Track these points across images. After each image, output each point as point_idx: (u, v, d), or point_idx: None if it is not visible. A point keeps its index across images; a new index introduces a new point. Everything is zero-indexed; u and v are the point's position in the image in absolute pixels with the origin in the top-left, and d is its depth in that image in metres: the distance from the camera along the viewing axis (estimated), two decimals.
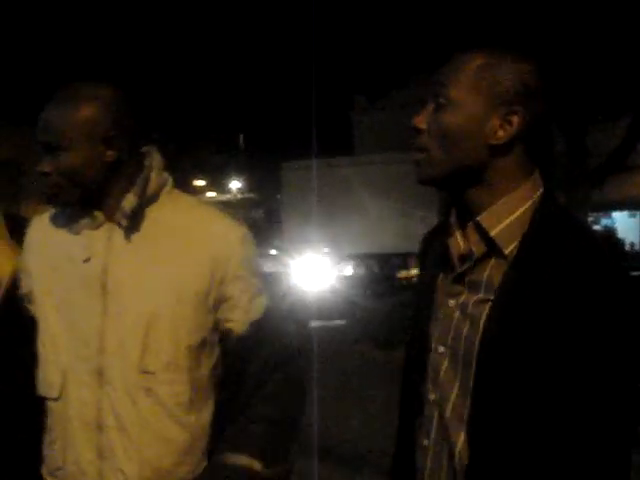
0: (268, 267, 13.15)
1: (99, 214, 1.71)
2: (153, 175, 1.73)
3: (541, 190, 1.37)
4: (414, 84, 19.91)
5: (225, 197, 40.32)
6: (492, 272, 1.33)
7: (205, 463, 1.73)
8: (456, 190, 1.38)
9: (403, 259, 14.66)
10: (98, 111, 1.65)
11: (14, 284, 1.85)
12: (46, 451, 1.75)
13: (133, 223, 1.69)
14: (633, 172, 19.57)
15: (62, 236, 1.76)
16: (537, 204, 1.34)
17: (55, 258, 1.76)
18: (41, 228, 1.83)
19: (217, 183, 40.95)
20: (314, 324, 13.44)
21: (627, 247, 23.19)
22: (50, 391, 1.71)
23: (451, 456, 1.33)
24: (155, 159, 1.77)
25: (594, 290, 1.22)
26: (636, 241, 24.20)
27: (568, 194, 12.96)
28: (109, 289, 1.68)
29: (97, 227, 1.72)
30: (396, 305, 10.95)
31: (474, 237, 1.35)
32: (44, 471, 1.77)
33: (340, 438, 6.05)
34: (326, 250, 19.89)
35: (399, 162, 20.71)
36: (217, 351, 1.76)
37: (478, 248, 1.35)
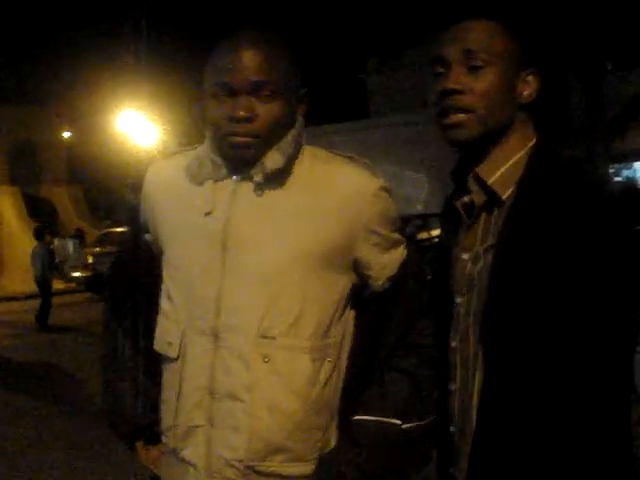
0: None
1: (224, 166, 1.62)
2: (302, 131, 1.64)
3: (533, 141, 1.44)
4: (427, 42, 19.67)
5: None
6: (496, 220, 1.42)
7: (332, 442, 1.61)
8: (476, 148, 1.44)
9: (424, 220, 14.60)
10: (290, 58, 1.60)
11: (137, 233, 1.83)
12: (162, 408, 1.69)
13: (267, 179, 1.58)
14: None
15: (184, 185, 1.67)
16: (531, 152, 1.43)
17: (178, 208, 1.67)
18: (161, 177, 1.75)
19: None
20: None
21: None
22: (169, 350, 1.63)
23: (474, 397, 1.43)
24: (302, 111, 1.67)
25: (587, 225, 1.29)
26: None
27: (588, 146, 12.84)
28: (229, 246, 1.58)
29: (222, 179, 1.62)
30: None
31: (474, 188, 1.44)
32: (162, 427, 1.71)
33: None
34: None
35: (414, 122, 20.57)
36: (349, 317, 1.64)
37: (478, 198, 1.44)
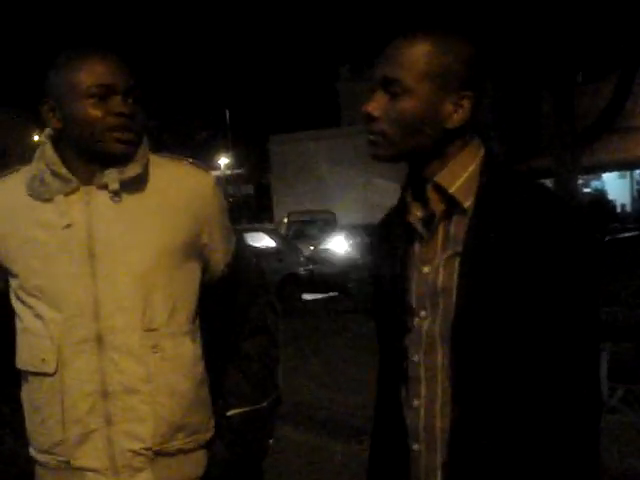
0: (260, 242, 13.12)
1: (74, 179, 1.67)
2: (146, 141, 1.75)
3: (482, 152, 1.46)
4: None
5: (214, 174, 40.20)
6: (456, 228, 1.42)
7: (210, 410, 1.77)
8: (409, 162, 1.47)
9: None
10: None
11: None
12: (36, 430, 1.70)
13: (123, 186, 1.67)
14: (621, 133, 19.58)
15: (28, 206, 1.69)
16: (482, 163, 1.44)
17: (27, 229, 1.69)
18: None
19: (205, 160, 40.85)
20: (307, 297, 13.47)
21: (618, 209, 23.27)
22: (44, 367, 1.65)
23: (443, 410, 1.42)
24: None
25: (548, 229, 1.33)
26: (627, 202, 24.27)
27: (557, 157, 12.95)
28: (97, 253, 1.65)
29: (72, 191, 1.67)
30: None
31: (434, 197, 1.44)
32: (34, 451, 1.72)
33: (335, 409, 6.06)
34: (317, 222, 19.91)
35: None
36: (198, 297, 1.78)
37: (439, 207, 1.43)
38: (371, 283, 1.64)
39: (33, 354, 1.67)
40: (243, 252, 1.89)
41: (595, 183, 25.04)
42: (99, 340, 1.64)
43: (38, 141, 1.75)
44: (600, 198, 22.04)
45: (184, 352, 1.70)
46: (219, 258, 1.80)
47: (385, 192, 20.03)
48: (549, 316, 1.33)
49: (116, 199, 1.67)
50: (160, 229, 1.69)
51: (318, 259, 14.96)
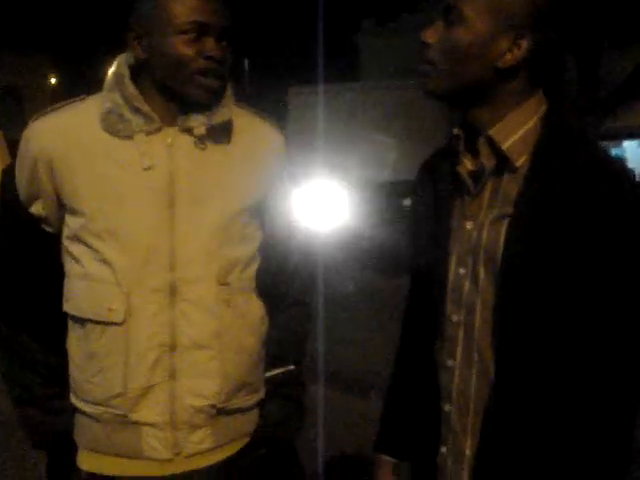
0: None
1: (156, 117, 1.58)
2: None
3: (544, 107, 1.40)
4: (425, 8, 19.47)
5: None
6: (506, 187, 1.37)
7: (263, 369, 1.77)
8: (459, 106, 1.42)
9: (410, 186, 14.57)
10: None
11: (17, 200, 1.66)
12: (89, 380, 1.62)
13: (209, 132, 1.61)
14: None
15: (105, 141, 1.58)
16: (543, 120, 1.38)
17: (98, 164, 1.58)
18: (64, 134, 1.60)
19: None
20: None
21: (637, 177, 23.01)
22: (111, 315, 1.57)
23: (480, 374, 1.39)
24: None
25: (608, 199, 1.28)
26: None
27: (579, 122, 12.80)
28: (177, 200, 1.58)
29: (155, 131, 1.59)
30: (403, 233, 10.95)
31: (485, 151, 1.38)
32: (80, 402, 1.65)
33: (346, 363, 6.12)
34: (332, 177, 19.81)
35: (404, 88, 20.48)
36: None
37: (489, 162, 1.38)
38: (410, 231, 1.59)
39: (97, 302, 1.58)
40: (295, 218, 1.85)
41: (615, 150, 24.75)
42: (172, 291, 1.58)
43: (115, 70, 1.61)
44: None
45: (253, 309, 1.68)
46: (282, 218, 1.77)
47: (410, 147, 19.86)
48: (601, 293, 1.29)
49: (200, 145, 1.60)
50: (240, 182, 1.64)
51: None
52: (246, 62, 38.63)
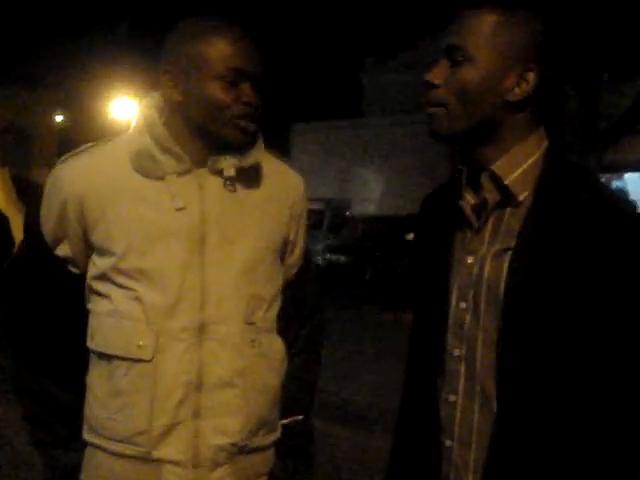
0: None
1: (187, 158, 1.59)
2: None
3: (546, 143, 1.41)
4: (423, 46, 19.68)
5: None
6: (509, 221, 1.37)
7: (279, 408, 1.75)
8: (467, 145, 1.42)
9: (413, 221, 14.62)
10: None
11: (42, 242, 1.65)
12: (112, 417, 1.60)
13: (238, 173, 1.63)
14: None
15: (136, 182, 1.59)
16: (545, 155, 1.39)
17: (134, 207, 1.58)
18: (96, 175, 1.61)
19: None
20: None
21: (638, 209, 23.04)
22: (141, 353, 1.57)
23: (483, 408, 1.38)
24: None
25: (612, 234, 1.28)
26: None
27: (580, 155, 12.88)
28: (207, 240, 1.59)
29: (185, 173, 1.60)
30: (405, 267, 10.95)
31: (488, 186, 1.39)
32: (99, 438, 1.63)
33: (351, 399, 6.09)
34: (336, 212, 19.91)
35: (406, 124, 20.64)
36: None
37: (492, 197, 1.38)
38: (411, 266, 1.59)
39: (126, 338, 1.58)
40: (310, 257, 1.87)
41: (617, 183, 24.82)
42: (201, 329, 1.58)
43: (144, 112, 1.63)
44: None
45: (277, 348, 1.69)
46: (297, 257, 1.78)
47: (413, 182, 19.97)
48: (604, 326, 1.28)
49: (230, 187, 1.62)
50: (267, 223, 1.67)
51: (335, 248, 14.98)
52: None
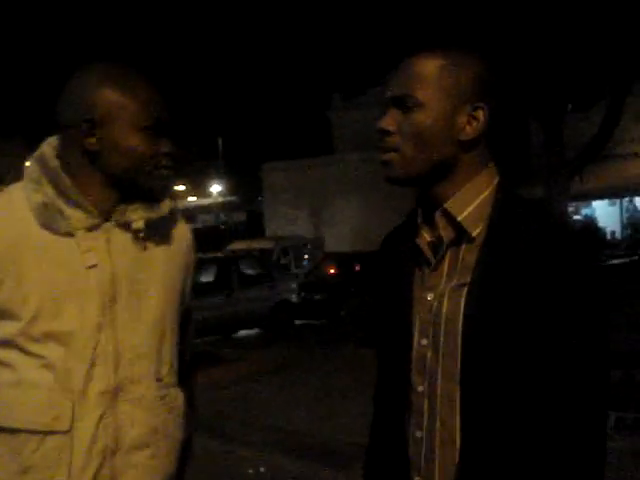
0: (252, 269, 13.12)
1: (95, 212, 1.51)
2: None
3: (497, 179, 1.45)
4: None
5: (206, 201, 40.26)
6: (465, 256, 1.40)
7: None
8: (421, 186, 1.45)
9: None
10: None
11: None
12: None
13: (146, 226, 1.57)
14: (611, 161, 19.74)
15: (42, 238, 1.49)
16: (496, 191, 1.43)
17: (38, 266, 1.48)
18: (7, 229, 1.50)
19: (198, 187, 40.85)
20: (298, 322, 13.43)
21: (608, 236, 23.38)
22: (56, 424, 1.46)
23: (444, 444, 1.38)
24: None
25: (562, 262, 1.31)
26: (616, 229, 24.39)
27: (547, 185, 13.05)
28: (118, 298, 1.52)
29: (94, 227, 1.52)
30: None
31: (442, 224, 1.42)
32: None
33: (325, 437, 6.03)
34: (309, 249, 19.93)
35: (376, 160, 20.83)
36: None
37: (447, 234, 1.41)
38: (373, 305, 1.59)
39: (37, 410, 1.46)
40: (191, 307, 1.81)
41: (585, 210, 25.19)
42: (116, 391, 1.51)
43: (41, 160, 1.53)
44: (589, 225, 22.15)
45: (180, 401, 1.64)
46: (185, 308, 1.73)
47: (385, 218, 20.08)
48: (560, 350, 1.31)
49: (137, 239, 1.55)
50: (171, 276, 1.63)
51: (310, 286, 14.95)
52: (220, 141, 39.22)
